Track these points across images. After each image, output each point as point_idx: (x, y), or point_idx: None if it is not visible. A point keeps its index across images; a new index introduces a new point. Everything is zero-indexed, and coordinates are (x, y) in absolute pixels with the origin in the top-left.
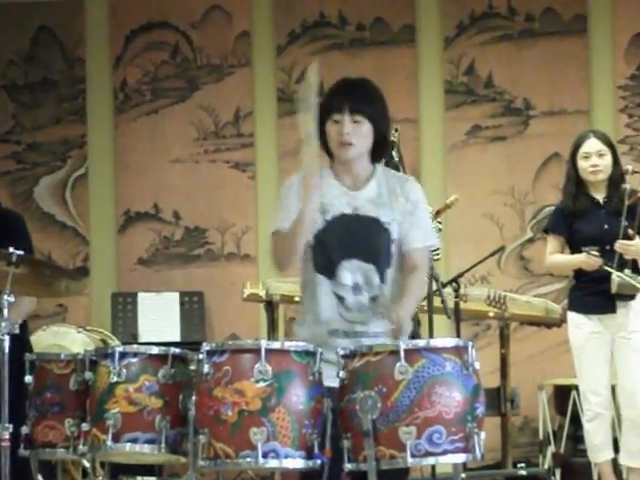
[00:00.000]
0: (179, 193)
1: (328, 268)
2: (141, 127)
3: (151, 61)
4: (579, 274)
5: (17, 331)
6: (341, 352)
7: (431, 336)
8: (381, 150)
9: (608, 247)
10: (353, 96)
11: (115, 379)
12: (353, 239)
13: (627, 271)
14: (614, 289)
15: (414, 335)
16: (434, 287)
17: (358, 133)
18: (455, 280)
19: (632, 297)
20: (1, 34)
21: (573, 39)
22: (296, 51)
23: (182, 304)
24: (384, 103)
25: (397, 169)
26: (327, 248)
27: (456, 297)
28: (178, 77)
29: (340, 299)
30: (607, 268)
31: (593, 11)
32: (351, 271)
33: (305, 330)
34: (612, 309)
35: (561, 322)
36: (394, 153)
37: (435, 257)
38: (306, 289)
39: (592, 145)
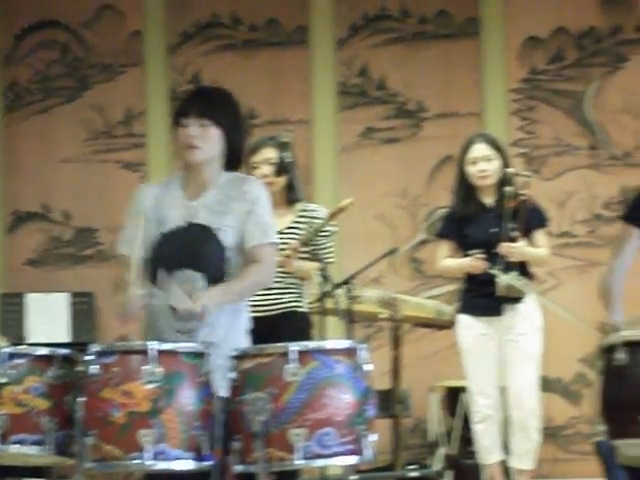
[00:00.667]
0: (69, 193)
1: (161, 280)
2: (31, 126)
3: (42, 60)
4: (469, 277)
5: None
6: (233, 353)
7: (323, 338)
8: (234, 159)
9: (495, 250)
10: (201, 101)
11: (1, 380)
12: (182, 250)
13: (513, 274)
14: (499, 292)
15: (306, 336)
16: (326, 289)
17: (204, 137)
18: (347, 282)
19: (519, 300)
20: None
21: (466, 42)
22: (189, 51)
23: (72, 305)
24: (237, 112)
25: (290, 170)
26: (159, 260)
27: (348, 299)
28: (69, 76)
29: (173, 310)
30: (492, 271)
31: (486, 14)
32: (181, 281)
33: (142, 338)
34: (498, 312)
35: (452, 324)
36: (288, 154)
37: (328, 259)
38: (145, 298)
39: (480, 150)
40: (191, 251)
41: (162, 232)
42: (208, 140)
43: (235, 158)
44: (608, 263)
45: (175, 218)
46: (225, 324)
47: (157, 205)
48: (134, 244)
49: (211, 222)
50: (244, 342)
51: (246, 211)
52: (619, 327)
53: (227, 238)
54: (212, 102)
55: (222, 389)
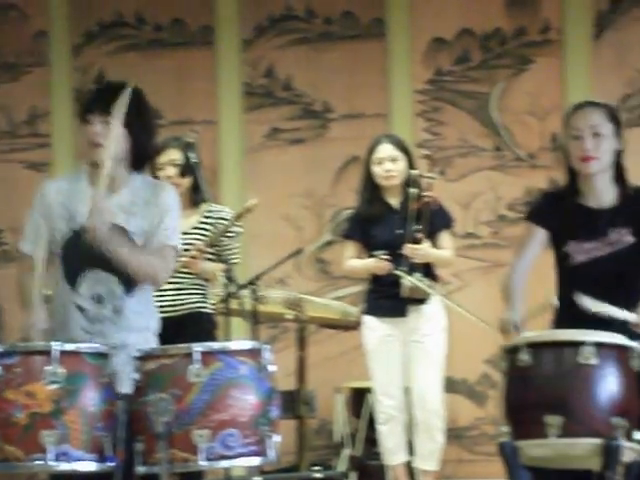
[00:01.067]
0: None
1: (72, 278)
2: None
3: None
4: (374, 278)
5: None
6: (136, 354)
7: (228, 339)
8: (140, 158)
9: (400, 251)
10: (106, 98)
11: None
12: (96, 249)
13: (417, 275)
14: (404, 293)
15: (210, 337)
16: (231, 290)
17: (108, 135)
18: (253, 282)
19: (423, 301)
20: None
21: (372, 43)
22: (93, 51)
23: None
24: (143, 109)
25: (195, 170)
26: (71, 258)
27: (254, 299)
28: None
29: (81, 310)
30: (397, 272)
31: (391, 15)
32: (93, 282)
33: (51, 337)
34: (403, 313)
35: (358, 325)
36: (193, 155)
37: (233, 260)
38: (54, 297)
39: (385, 150)
40: (104, 252)
41: (74, 228)
42: (112, 138)
43: (142, 157)
44: (511, 263)
45: (86, 214)
46: (135, 326)
47: (66, 200)
48: (38, 242)
49: (126, 223)
50: (153, 344)
51: (158, 218)
52: (516, 324)
53: (138, 241)
54: (116, 99)
55: (128, 390)
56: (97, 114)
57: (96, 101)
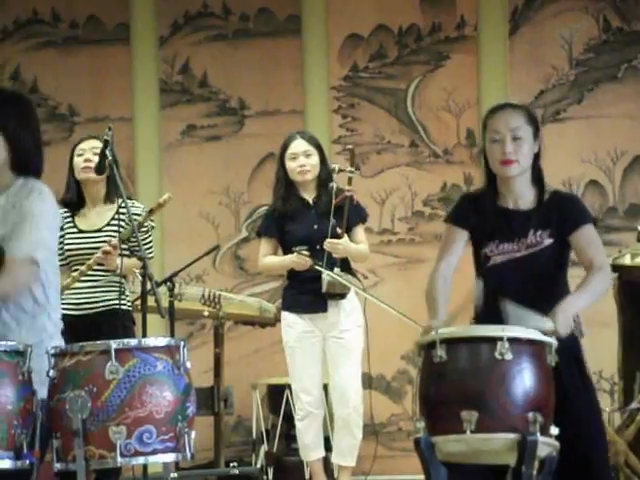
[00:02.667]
0: None
1: None
2: None
3: None
4: (292, 274)
5: None
6: (52, 351)
7: (144, 335)
8: (23, 164)
9: (318, 247)
10: None
11: None
12: None
13: (337, 270)
14: (324, 288)
15: (127, 334)
16: (148, 286)
17: None
18: (170, 279)
19: (343, 296)
20: None
21: (288, 39)
22: (8, 49)
23: None
24: (25, 114)
25: (111, 169)
26: None
27: (171, 296)
28: None
29: None
30: (317, 267)
31: (307, 12)
32: None
33: None
34: (323, 308)
35: (275, 321)
36: (107, 152)
37: (149, 256)
38: None
39: (299, 146)
40: None
41: None
42: None
43: (24, 162)
44: (434, 267)
45: None
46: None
47: None
48: None
49: None
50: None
51: (16, 221)
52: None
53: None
54: None
55: (41, 388)
56: None
57: None
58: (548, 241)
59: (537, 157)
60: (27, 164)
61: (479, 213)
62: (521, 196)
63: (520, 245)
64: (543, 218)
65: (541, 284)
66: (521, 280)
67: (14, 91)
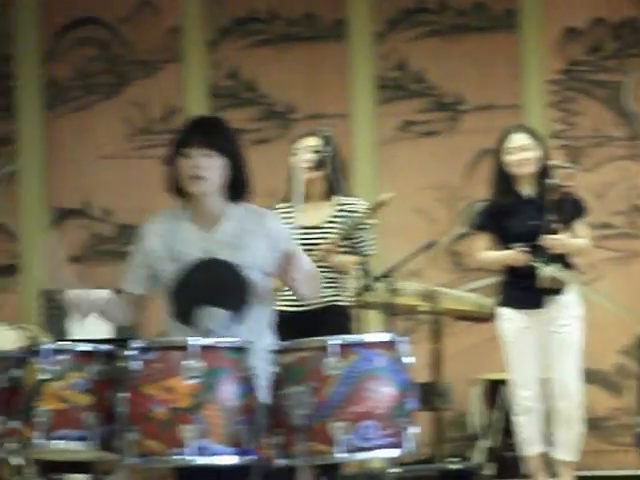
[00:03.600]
0: (110, 189)
1: (182, 315)
2: (71, 123)
3: (81, 57)
4: (509, 269)
5: None
6: (273, 347)
7: (364, 331)
8: (239, 187)
9: (536, 242)
10: (203, 130)
11: (44, 376)
12: (206, 286)
13: (554, 265)
14: (543, 284)
15: (346, 330)
16: (366, 282)
17: (209, 166)
18: (387, 275)
19: (560, 291)
20: None
21: (504, 34)
22: (227, 47)
23: None
24: (237, 139)
25: (330, 164)
26: (180, 296)
27: (388, 292)
28: (108, 73)
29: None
30: (535, 263)
31: (523, 6)
32: (205, 318)
33: None
34: (540, 304)
35: (492, 317)
36: (326, 148)
37: (368, 252)
38: (168, 334)
39: (517, 140)
40: (216, 288)
41: (181, 268)
42: (213, 170)
43: (240, 186)
44: None
45: (192, 252)
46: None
47: (167, 240)
48: (138, 282)
49: (232, 257)
50: (270, 339)
51: (268, 247)
52: None
53: (254, 274)
54: (214, 131)
55: (261, 384)
56: (196, 147)
57: (194, 134)
58: None
59: None
60: (242, 190)
61: None
62: None
63: None
64: None
65: None
66: None
67: (221, 118)
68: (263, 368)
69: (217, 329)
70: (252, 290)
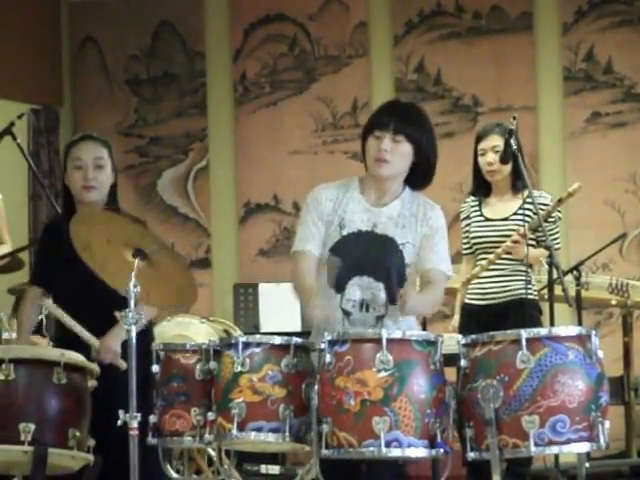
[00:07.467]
0: (298, 184)
1: (338, 283)
2: (260, 119)
3: (269, 53)
4: None
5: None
6: (462, 341)
7: (552, 325)
8: (424, 175)
9: None
10: (398, 116)
11: (239, 369)
12: (366, 256)
13: None
14: None
15: (535, 324)
16: (555, 275)
17: (396, 152)
18: (576, 268)
19: None
20: (123, 30)
21: None
22: (413, 41)
23: None
24: (431, 129)
25: (515, 157)
26: (339, 263)
27: (577, 285)
28: (296, 69)
29: (346, 314)
30: None
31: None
32: (360, 288)
33: (314, 336)
34: None
35: None
36: (512, 141)
37: (556, 246)
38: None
39: None
40: (375, 260)
41: (345, 234)
42: (400, 156)
43: (425, 175)
44: None
45: (357, 221)
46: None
47: (337, 207)
48: (312, 242)
49: (395, 235)
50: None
51: (424, 234)
52: None
53: (409, 254)
54: (410, 119)
55: None
56: (388, 131)
57: (388, 118)
58: None
59: None
60: (427, 179)
61: None
62: None
63: None
64: None
65: None
66: None
67: (419, 106)
68: None
69: (371, 302)
70: (408, 270)
